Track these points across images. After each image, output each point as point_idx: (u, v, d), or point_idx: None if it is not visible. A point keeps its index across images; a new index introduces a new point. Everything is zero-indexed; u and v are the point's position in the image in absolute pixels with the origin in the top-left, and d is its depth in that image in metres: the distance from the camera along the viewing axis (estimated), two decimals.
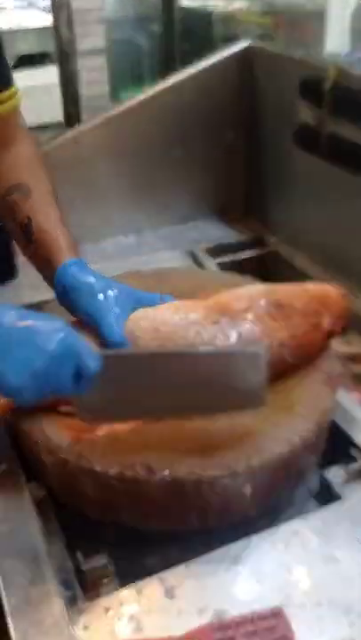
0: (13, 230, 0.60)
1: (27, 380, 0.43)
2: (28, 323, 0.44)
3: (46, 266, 0.58)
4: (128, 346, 0.55)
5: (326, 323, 0.58)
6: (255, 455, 0.50)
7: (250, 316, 0.56)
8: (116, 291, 0.57)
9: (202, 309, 0.58)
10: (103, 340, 0.54)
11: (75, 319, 0.57)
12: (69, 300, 0.56)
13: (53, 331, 0.44)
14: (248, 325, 0.56)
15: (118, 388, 0.48)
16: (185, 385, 0.49)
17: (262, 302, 0.57)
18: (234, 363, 0.50)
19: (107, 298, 0.56)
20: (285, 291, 0.59)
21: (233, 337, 0.55)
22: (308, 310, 0.57)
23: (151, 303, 0.59)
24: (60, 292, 0.57)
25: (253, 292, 0.59)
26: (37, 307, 0.72)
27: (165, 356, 0.50)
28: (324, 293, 0.60)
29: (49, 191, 0.61)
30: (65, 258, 0.57)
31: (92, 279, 0.56)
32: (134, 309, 0.57)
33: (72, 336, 0.45)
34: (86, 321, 0.56)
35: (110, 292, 0.56)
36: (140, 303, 0.58)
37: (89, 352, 0.46)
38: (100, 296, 0.55)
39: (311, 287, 0.61)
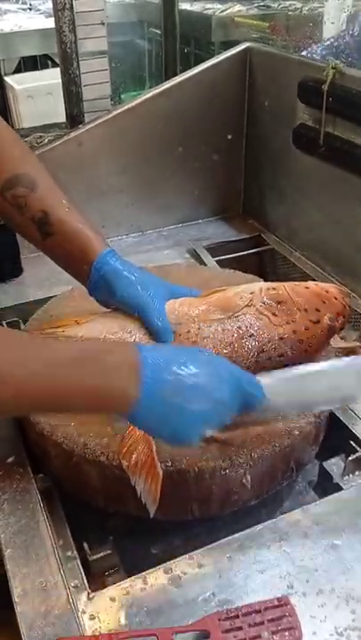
0: (22, 225, 0.58)
1: (202, 432, 0.44)
2: (194, 378, 0.43)
3: (74, 257, 0.57)
4: (172, 335, 0.55)
5: (327, 319, 0.59)
6: (256, 446, 0.51)
7: (251, 310, 0.57)
8: (154, 281, 0.58)
9: (204, 306, 0.59)
10: (149, 326, 0.55)
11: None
12: (108, 287, 0.56)
13: (221, 377, 0.44)
14: (249, 320, 0.57)
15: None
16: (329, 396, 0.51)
17: (264, 298, 0.59)
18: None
19: (147, 288, 0.57)
20: (287, 288, 0.60)
21: (234, 331, 0.56)
22: (309, 307, 0.59)
23: (182, 295, 0.60)
24: (95, 281, 0.57)
25: (255, 288, 0.60)
26: (41, 303, 0.74)
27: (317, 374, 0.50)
28: (325, 291, 0.61)
29: (50, 178, 0.60)
30: (100, 247, 0.57)
31: (132, 269, 0.57)
32: (168, 300, 0.59)
33: (235, 374, 0.45)
34: (126, 308, 0.57)
35: (150, 283, 0.57)
36: (173, 295, 0.59)
37: (252, 381, 0.46)
38: (142, 286, 0.57)
39: (312, 285, 0.62)
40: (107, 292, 0.57)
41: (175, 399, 0.43)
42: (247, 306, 0.58)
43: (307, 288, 0.61)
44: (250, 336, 0.56)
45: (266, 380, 0.48)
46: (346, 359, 0.55)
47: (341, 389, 0.51)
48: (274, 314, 0.58)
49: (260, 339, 0.56)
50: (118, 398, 0.42)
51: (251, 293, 0.59)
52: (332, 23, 1.38)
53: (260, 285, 0.62)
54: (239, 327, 0.56)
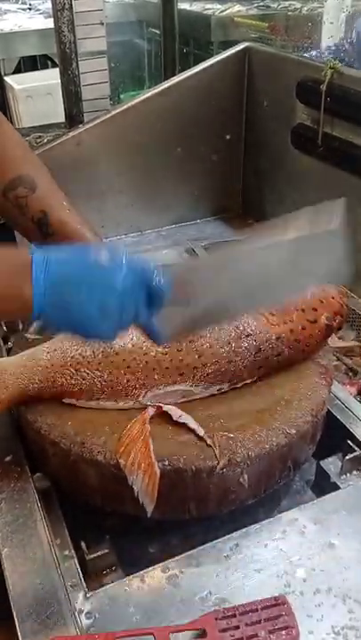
0: (23, 225, 0.60)
1: (107, 323, 0.43)
2: (83, 267, 0.42)
3: None
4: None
5: (324, 319, 0.59)
6: (253, 446, 0.51)
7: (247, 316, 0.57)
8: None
9: None
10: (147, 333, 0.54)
11: None
12: None
13: (114, 261, 0.42)
14: (246, 319, 0.57)
15: (191, 301, 0.45)
16: (259, 279, 0.46)
17: None
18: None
19: None
20: None
21: (231, 330, 0.56)
22: (306, 306, 0.59)
23: None
24: None
25: None
26: None
27: (233, 259, 0.47)
28: (322, 291, 0.61)
29: (51, 179, 0.61)
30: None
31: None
32: None
33: (133, 260, 0.43)
34: None
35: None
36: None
37: (156, 271, 0.44)
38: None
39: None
40: None
41: (68, 287, 0.42)
42: None
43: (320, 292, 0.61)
44: (247, 335, 0.56)
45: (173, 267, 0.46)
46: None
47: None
48: (271, 313, 0.58)
49: (258, 338, 0.56)
50: (13, 300, 0.42)
51: None
52: (331, 23, 1.39)
53: None
54: (236, 326, 0.56)
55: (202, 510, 0.53)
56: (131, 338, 0.56)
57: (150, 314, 0.45)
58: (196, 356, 0.55)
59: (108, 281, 0.43)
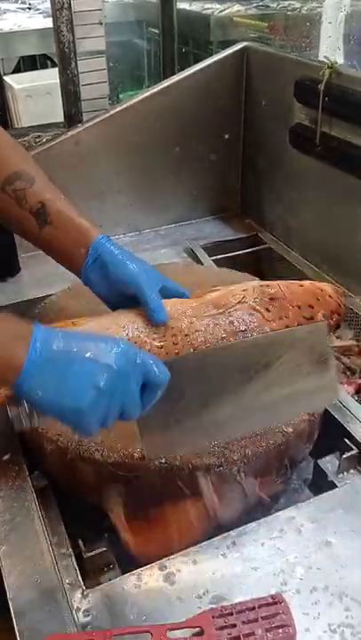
0: (21, 218, 0.60)
1: (91, 398, 0.41)
2: (84, 344, 0.42)
3: (71, 242, 0.59)
4: (167, 312, 0.56)
5: (320, 316, 0.59)
6: (249, 444, 0.51)
7: (244, 307, 0.58)
8: (149, 267, 0.60)
9: (197, 303, 0.59)
10: (145, 303, 0.57)
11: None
12: (104, 268, 0.58)
13: (113, 346, 0.43)
14: (241, 316, 0.57)
15: (181, 399, 0.45)
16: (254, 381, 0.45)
17: (257, 295, 0.59)
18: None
19: (142, 267, 0.59)
20: (281, 286, 0.61)
21: (226, 326, 0.56)
22: (302, 303, 0.59)
23: (173, 290, 0.61)
24: (92, 262, 0.59)
25: (249, 286, 0.61)
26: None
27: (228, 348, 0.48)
28: (319, 289, 0.61)
29: (46, 175, 0.62)
30: (97, 232, 0.60)
31: (127, 252, 0.60)
32: (161, 289, 0.60)
33: (132, 348, 0.44)
34: (120, 286, 0.58)
35: (145, 265, 0.59)
36: (165, 288, 0.60)
37: (154, 359, 0.44)
38: (137, 265, 0.58)
39: (307, 283, 0.63)
40: (102, 273, 0.59)
41: (60, 368, 0.41)
42: (240, 302, 0.58)
43: (301, 286, 0.61)
44: (242, 331, 0.56)
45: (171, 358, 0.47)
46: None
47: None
48: (267, 309, 0.58)
49: (253, 334, 0.56)
50: (3, 366, 0.41)
51: (243, 290, 0.59)
52: (330, 23, 1.38)
53: (253, 283, 0.62)
54: (231, 322, 0.57)
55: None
56: (126, 333, 0.56)
57: (140, 408, 0.44)
58: (191, 349, 0.55)
59: (105, 360, 0.42)
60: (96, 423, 0.42)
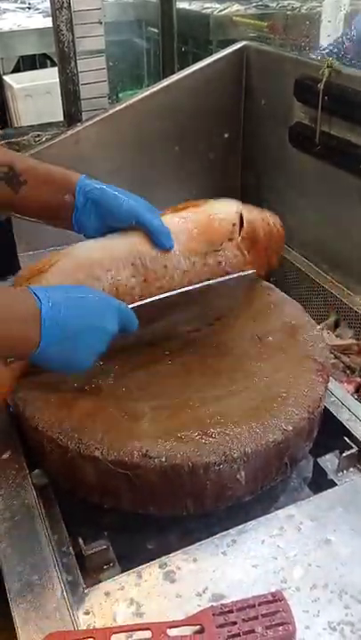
0: None
1: (92, 359, 0.51)
2: (87, 304, 0.49)
3: (52, 194, 0.58)
4: (171, 235, 0.59)
5: (274, 261, 0.66)
6: (249, 442, 0.51)
7: (231, 245, 0.61)
8: (140, 198, 0.60)
9: (185, 235, 0.60)
10: (149, 229, 0.57)
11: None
12: (97, 208, 0.58)
13: (109, 311, 0.51)
14: (228, 256, 0.60)
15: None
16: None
17: (243, 234, 0.62)
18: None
19: (135, 199, 0.59)
20: (261, 229, 0.64)
21: (214, 266, 0.59)
22: (271, 250, 0.64)
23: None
24: (82, 205, 0.58)
25: (236, 219, 0.62)
26: None
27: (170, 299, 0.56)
28: (272, 230, 0.65)
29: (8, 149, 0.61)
30: (76, 175, 0.59)
31: (116, 188, 0.59)
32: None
33: (120, 308, 0.52)
34: (120, 222, 0.58)
35: (135, 195, 0.59)
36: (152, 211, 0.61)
37: (131, 316, 0.53)
38: (130, 198, 0.58)
39: (268, 218, 0.66)
40: (95, 214, 0.58)
41: (70, 341, 0.49)
42: (229, 239, 0.60)
43: (267, 223, 0.65)
44: (226, 273, 0.59)
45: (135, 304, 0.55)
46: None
47: None
48: (248, 251, 0.60)
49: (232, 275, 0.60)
50: (21, 347, 0.48)
51: (233, 225, 0.60)
52: (329, 22, 1.39)
53: (237, 214, 0.63)
54: (219, 262, 0.58)
55: (199, 507, 0.53)
56: (111, 276, 0.58)
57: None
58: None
59: (106, 329, 0.51)
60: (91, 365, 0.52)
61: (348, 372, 0.76)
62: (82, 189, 0.58)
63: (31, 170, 0.58)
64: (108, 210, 0.57)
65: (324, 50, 1.41)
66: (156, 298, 0.57)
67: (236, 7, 2.17)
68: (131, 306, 0.55)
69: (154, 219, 0.58)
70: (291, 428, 0.53)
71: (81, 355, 0.50)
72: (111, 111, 0.97)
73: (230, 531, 0.51)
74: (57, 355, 0.49)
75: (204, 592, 0.47)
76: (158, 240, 0.57)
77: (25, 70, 2.37)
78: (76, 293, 0.50)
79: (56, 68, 1.28)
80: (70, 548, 0.51)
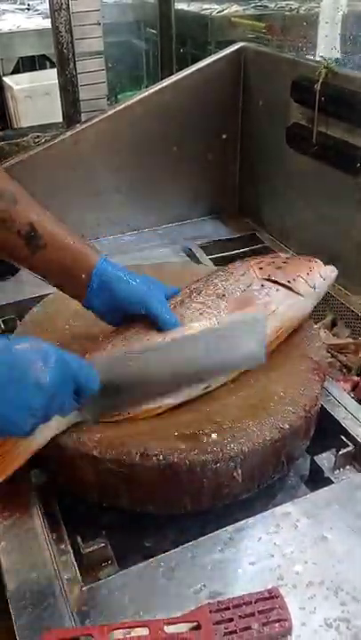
0: (10, 241, 0.56)
1: (31, 421, 0.44)
2: (12, 355, 0.42)
3: (68, 267, 0.57)
4: (179, 323, 0.57)
5: None
6: (246, 441, 0.52)
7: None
8: (152, 280, 0.60)
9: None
10: (157, 320, 0.57)
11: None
12: (110, 291, 0.57)
13: (40, 361, 0.43)
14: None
15: (119, 387, 0.51)
16: (186, 367, 0.53)
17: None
18: (233, 333, 0.55)
19: (150, 288, 0.59)
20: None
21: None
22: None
23: (176, 292, 0.63)
24: (96, 287, 0.57)
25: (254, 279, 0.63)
26: (38, 300, 0.74)
27: (163, 347, 0.53)
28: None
29: (25, 191, 0.58)
30: (97, 255, 0.58)
31: (129, 272, 0.59)
32: (167, 296, 0.60)
33: (61, 358, 0.45)
34: (129, 308, 0.58)
35: (150, 283, 0.59)
36: (170, 291, 0.62)
37: (84, 367, 0.47)
38: (143, 284, 0.58)
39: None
40: (108, 296, 0.58)
41: None
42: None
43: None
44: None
45: (99, 359, 0.50)
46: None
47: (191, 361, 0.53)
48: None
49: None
50: None
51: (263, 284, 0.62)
52: (327, 23, 1.39)
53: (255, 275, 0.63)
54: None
55: (196, 505, 0.53)
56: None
57: (75, 406, 0.47)
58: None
59: (36, 380, 0.43)
60: (29, 429, 0.45)
61: (344, 370, 0.77)
62: (98, 274, 0.57)
63: (52, 236, 0.57)
64: (119, 298, 0.57)
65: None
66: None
67: (234, 8, 2.17)
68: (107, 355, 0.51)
69: (162, 309, 0.57)
70: (287, 427, 0.53)
71: (10, 415, 0.43)
72: (110, 112, 0.97)
73: (227, 528, 0.51)
74: None
75: (201, 589, 0.47)
76: (164, 329, 0.57)
77: (24, 71, 2.38)
78: (7, 342, 0.45)
79: (55, 70, 1.29)
80: (69, 545, 0.51)
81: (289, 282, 0.62)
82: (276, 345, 0.61)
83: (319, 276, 0.65)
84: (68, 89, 1.27)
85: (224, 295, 0.60)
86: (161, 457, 0.50)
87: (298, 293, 0.63)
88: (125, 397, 0.53)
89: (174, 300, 0.61)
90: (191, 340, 0.55)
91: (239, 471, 0.52)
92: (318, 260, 0.67)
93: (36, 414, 0.44)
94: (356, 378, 0.74)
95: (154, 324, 0.57)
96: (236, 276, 0.63)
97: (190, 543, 0.50)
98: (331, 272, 0.67)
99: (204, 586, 0.47)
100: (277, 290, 0.62)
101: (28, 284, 0.89)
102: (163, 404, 0.55)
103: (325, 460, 0.59)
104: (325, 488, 0.56)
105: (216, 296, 0.60)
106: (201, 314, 0.58)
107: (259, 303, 0.60)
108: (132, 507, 0.53)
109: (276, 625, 0.44)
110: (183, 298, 0.61)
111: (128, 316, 0.59)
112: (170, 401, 0.55)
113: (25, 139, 1.33)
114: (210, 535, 0.51)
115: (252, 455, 0.52)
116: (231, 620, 0.44)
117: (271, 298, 0.60)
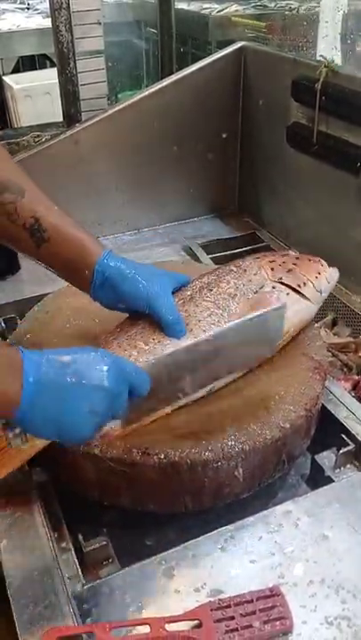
0: (14, 234, 0.56)
1: (92, 425, 0.45)
2: (73, 368, 0.43)
3: (73, 261, 0.57)
4: (183, 324, 0.56)
5: None
6: (247, 439, 0.52)
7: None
8: (158, 273, 0.59)
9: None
10: (160, 320, 0.56)
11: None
12: (113, 288, 0.56)
13: (100, 364, 0.45)
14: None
15: (159, 388, 0.50)
16: (217, 360, 0.53)
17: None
18: (260, 323, 0.55)
19: (153, 283, 0.57)
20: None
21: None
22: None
23: (185, 282, 0.61)
24: (99, 283, 0.57)
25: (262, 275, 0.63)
26: (38, 299, 0.74)
27: (199, 344, 0.52)
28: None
29: (35, 185, 0.58)
30: (99, 249, 0.57)
31: (135, 266, 0.58)
32: (174, 289, 0.59)
33: (117, 362, 0.46)
34: (133, 306, 0.57)
35: (155, 277, 0.58)
36: (178, 283, 0.60)
37: (137, 370, 0.48)
38: (147, 281, 0.57)
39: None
40: (112, 293, 0.57)
41: (57, 399, 0.43)
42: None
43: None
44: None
45: (146, 362, 0.51)
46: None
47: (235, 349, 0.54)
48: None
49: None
50: (1, 404, 0.43)
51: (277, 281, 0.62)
52: (327, 22, 1.39)
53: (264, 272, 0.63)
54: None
55: (197, 503, 0.54)
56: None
57: (126, 409, 0.48)
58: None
59: (99, 382, 0.44)
60: (93, 433, 0.46)
61: (345, 370, 0.77)
62: (101, 270, 0.56)
63: (55, 230, 0.56)
64: (123, 294, 0.57)
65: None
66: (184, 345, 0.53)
67: (234, 7, 2.17)
68: (149, 361, 0.50)
69: (165, 313, 0.56)
70: (288, 426, 0.53)
71: (74, 417, 0.44)
72: (110, 111, 0.97)
73: (228, 527, 0.51)
74: (43, 417, 0.43)
75: (202, 587, 0.47)
76: (169, 331, 0.56)
77: (24, 71, 2.38)
78: (65, 350, 0.46)
79: (55, 69, 1.29)
80: (70, 544, 0.51)
81: (299, 286, 0.62)
82: (280, 347, 0.61)
83: (326, 280, 0.65)
84: (69, 88, 1.27)
85: (236, 295, 0.60)
86: (162, 456, 0.50)
87: (307, 299, 0.63)
88: (152, 402, 0.52)
89: (183, 294, 0.60)
90: (219, 337, 0.53)
91: (240, 470, 0.52)
92: (324, 263, 0.67)
93: (98, 417, 0.45)
94: (356, 377, 0.74)
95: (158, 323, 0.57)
96: (248, 274, 0.62)
97: (191, 541, 0.51)
98: (335, 274, 0.67)
99: (205, 584, 0.48)
100: (288, 294, 0.61)
101: (27, 283, 0.89)
102: (173, 407, 0.55)
103: (326, 458, 0.59)
104: (326, 487, 0.56)
105: (228, 295, 0.59)
106: (210, 315, 0.58)
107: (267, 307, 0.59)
108: (133, 505, 0.54)
109: (278, 623, 0.44)
110: (193, 293, 0.60)
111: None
112: (180, 403, 0.55)
113: (25, 138, 1.33)
114: (211, 534, 0.51)
115: (253, 454, 0.52)
116: (232, 618, 0.44)
117: (281, 303, 0.60)
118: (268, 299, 0.60)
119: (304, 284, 0.63)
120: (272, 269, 0.63)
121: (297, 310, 0.62)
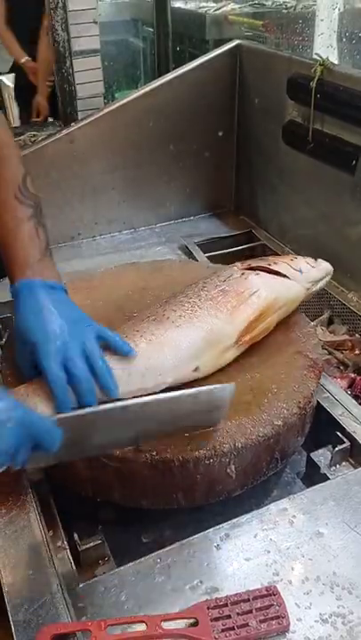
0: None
1: None
2: None
3: (6, 267, 0.55)
4: (67, 391, 0.49)
5: None
6: (239, 437, 0.52)
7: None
8: (77, 318, 0.52)
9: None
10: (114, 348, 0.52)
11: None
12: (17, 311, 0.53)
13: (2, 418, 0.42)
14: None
15: (76, 442, 0.47)
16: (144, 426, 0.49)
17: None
18: (200, 402, 0.50)
19: (49, 335, 0.50)
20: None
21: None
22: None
23: (113, 341, 0.53)
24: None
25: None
26: None
27: (119, 410, 0.48)
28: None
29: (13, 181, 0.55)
30: (22, 272, 0.53)
31: (59, 303, 0.52)
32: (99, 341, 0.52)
33: (24, 417, 0.43)
34: (22, 340, 0.53)
35: (70, 319, 0.51)
36: (101, 337, 0.53)
37: (47, 427, 0.45)
38: (47, 327, 0.50)
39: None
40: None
41: None
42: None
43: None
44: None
45: (62, 415, 0.47)
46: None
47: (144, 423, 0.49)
48: None
49: None
50: None
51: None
52: (322, 20, 1.39)
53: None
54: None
55: (189, 500, 0.53)
56: None
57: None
58: None
59: None
60: None
61: (341, 367, 0.77)
62: (13, 296, 0.53)
63: (4, 231, 0.54)
64: (18, 320, 0.53)
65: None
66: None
67: (231, 6, 2.17)
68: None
69: (48, 362, 0.49)
70: (281, 423, 0.53)
71: None
72: (106, 110, 0.97)
73: (224, 525, 0.51)
74: None
75: (198, 585, 0.47)
76: (121, 350, 0.52)
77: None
78: None
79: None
80: (65, 543, 0.51)
81: (270, 264, 0.62)
82: (267, 331, 0.60)
83: (306, 262, 0.65)
84: (65, 87, 1.27)
85: (205, 287, 0.60)
86: (154, 452, 0.50)
87: (281, 274, 0.62)
88: (62, 454, 0.48)
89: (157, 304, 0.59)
90: (152, 405, 0.49)
91: (233, 467, 0.52)
92: (310, 258, 0.67)
93: None
94: (352, 375, 0.74)
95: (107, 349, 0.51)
96: (218, 273, 0.64)
97: (187, 540, 0.51)
98: (323, 263, 0.67)
99: (201, 582, 0.48)
100: (258, 274, 0.61)
101: None
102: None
103: (322, 456, 0.59)
104: (321, 484, 0.56)
105: (198, 289, 0.60)
106: (183, 305, 0.58)
107: (238, 290, 0.59)
108: (124, 502, 0.54)
109: (274, 622, 0.44)
110: (168, 299, 0.61)
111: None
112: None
113: (21, 137, 1.33)
114: (206, 531, 0.51)
115: (246, 451, 0.52)
116: (229, 616, 0.44)
117: (251, 283, 0.60)
118: (233, 285, 0.59)
119: (275, 262, 0.63)
120: (242, 264, 0.64)
121: (271, 286, 0.61)
